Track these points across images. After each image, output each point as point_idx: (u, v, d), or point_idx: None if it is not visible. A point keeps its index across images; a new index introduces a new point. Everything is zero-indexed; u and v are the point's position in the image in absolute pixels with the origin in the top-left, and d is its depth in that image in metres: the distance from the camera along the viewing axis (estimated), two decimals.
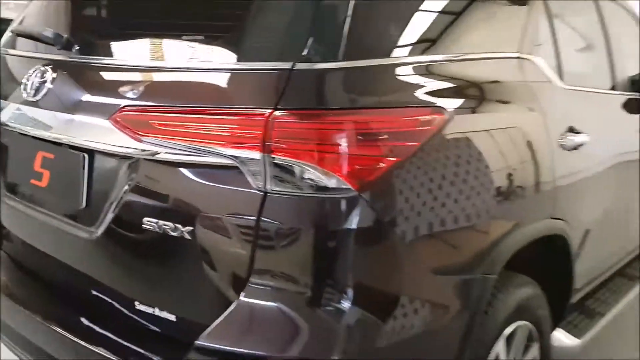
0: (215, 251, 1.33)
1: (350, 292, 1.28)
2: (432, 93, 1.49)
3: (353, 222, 1.27)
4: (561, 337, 2.37)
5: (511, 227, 1.67)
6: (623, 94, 2.77)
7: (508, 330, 1.80)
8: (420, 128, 1.39)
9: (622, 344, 3.17)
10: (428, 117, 1.41)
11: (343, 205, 1.26)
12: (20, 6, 2.15)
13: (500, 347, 1.78)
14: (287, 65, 1.27)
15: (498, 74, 1.80)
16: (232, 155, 1.27)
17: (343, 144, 1.26)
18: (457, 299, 1.51)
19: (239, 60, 1.37)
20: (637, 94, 2.92)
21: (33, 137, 1.68)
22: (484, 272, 1.58)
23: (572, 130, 2.04)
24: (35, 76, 1.64)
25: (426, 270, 1.42)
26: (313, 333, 1.28)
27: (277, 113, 1.25)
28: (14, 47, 1.93)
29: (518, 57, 1.90)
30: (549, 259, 2.14)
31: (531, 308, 1.92)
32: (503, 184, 1.63)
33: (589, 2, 2.66)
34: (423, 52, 1.55)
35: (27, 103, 1.65)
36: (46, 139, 1.63)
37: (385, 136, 1.32)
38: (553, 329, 2.27)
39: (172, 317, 1.41)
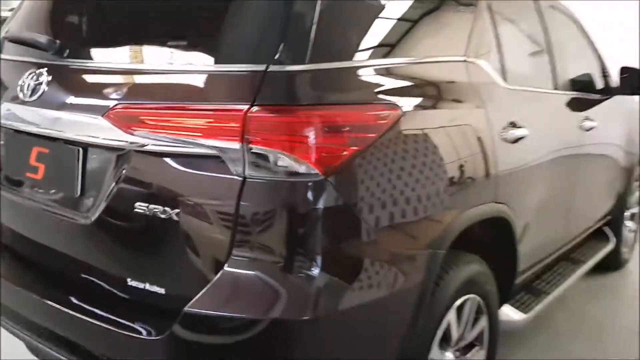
0: (201, 230, 1.53)
1: (319, 260, 1.49)
2: (387, 92, 1.72)
3: (321, 202, 1.48)
4: (509, 312, 2.63)
5: (457, 209, 1.90)
6: (565, 94, 3.05)
7: (458, 302, 2.04)
8: (378, 122, 1.61)
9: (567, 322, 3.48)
10: (384, 113, 1.63)
11: (311, 187, 1.47)
12: None
13: (451, 316, 2.02)
14: (261, 67, 1.47)
15: (447, 75, 2.04)
16: (214, 146, 1.47)
17: (311, 135, 1.47)
18: (411, 270, 1.73)
19: (219, 62, 1.57)
20: (578, 93, 3.22)
21: (28, 133, 1.85)
22: (434, 247, 1.81)
23: (513, 124, 2.29)
24: (31, 78, 1.80)
25: (383, 244, 1.64)
26: (288, 297, 1.48)
27: (254, 109, 1.45)
28: (5, 52, 2.09)
29: (465, 61, 2.14)
30: (496, 241, 2.39)
31: (479, 283, 2.16)
32: (449, 170, 1.86)
33: (531, 9, 2.93)
34: (381, 56, 1.77)
35: (23, 103, 1.81)
36: (41, 134, 1.80)
37: (347, 128, 1.53)
38: (501, 304, 2.53)
39: (162, 291, 1.60)
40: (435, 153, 1.79)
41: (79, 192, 1.73)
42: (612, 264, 4.30)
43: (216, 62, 1.58)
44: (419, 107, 1.82)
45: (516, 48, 2.70)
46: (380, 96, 1.68)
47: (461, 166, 1.91)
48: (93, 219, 1.68)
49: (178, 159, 1.54)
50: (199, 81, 1.58)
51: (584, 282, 4.14)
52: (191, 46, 1.66)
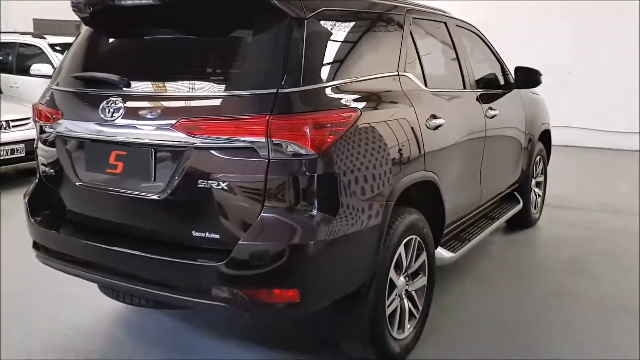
0: (244, 194, 2.43)
1: (315, 205, 2.44)
2: (349, 100, 2.67)
3: (315, 171, 2.42)
4: (442, 252, 3.63)
5: (399, 175, 2.85)
6: (473, 91, 4.08)
7: (405, 239, 3.00)
8: (346, 120, 2.55)
9: (489, 266, 4.53)
10: (349, 114, 2.58)
11: (309, 163, 2.41)
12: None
13: (401, 249, 2.99)
14: (274, 90, 2.40)
15: (386, 86, 3.02)
16: (250, 141, 2.38)
17: (307, 130, 2.40)
18: (374, 214, 2.68)
19: (248, 88, 2.48)
20: (484, 90, 4.26)
21: (106, 142, 2.70)
22: (387, 200, 2.77)
23: (434, 116, 3.28)
24: (110, 104, 2.65)
25: (355, 196, 2.58)
26: (298, 229, 2.41)
27: (272, 116, 2.37)
28: (71, 86, 2.93)
29: (397, 74, 3.12)
30: (430, 199, 3.36)
31: (419, 228, 3.13)
32: (392, 149, 2.82)
33: (442, 28, 3.95)
34: (343, 77, 2.71)
35: (105, 121, 2.66)
36: (118, 142, 2.66)
37: (328, 125, 2.47)
38: (436, 246, 3.52)
39: (217, 236, 2.50)
40: (382, 138, 2.75)
41: (153, 179, 2.60)
42: (525, 222, 5.42)
43: (246, 88, 2.49)
44: (369, 108, 2.77)
45: (433, 61, 3.71)
46: (345, 103, 2.63)
47: (400, 146, 2.88)
48: (165, 195, 2.55)
49: (224, 151, 2.45)
50: (236, 101, 2.49)
51: (503, 237, 5.24)
52: (227, 76, 2.61)
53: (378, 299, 2.82)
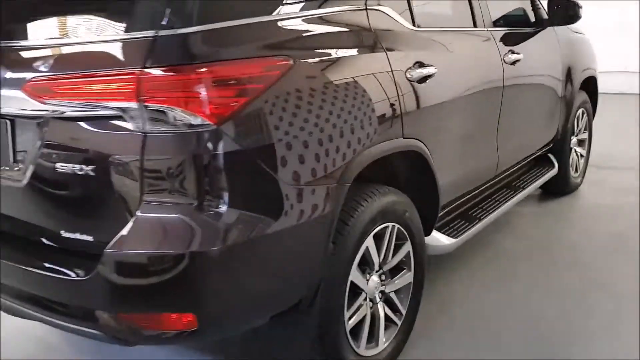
0: (115, 182, 1.73)
1: (216, 197, 1.70)
2: (278, 45, 1.90)
3: (217, 148, 1.68)
4: (439, 238, 2.86)
5: (357, 147, 2.07)
6: (488, 30, 3.21)
7: (376, 229, 2.25)
8: (267, 73, 1.79)
9: (512, 245, 3.72)
10: (273, 65, 1.82)
11: (206, 137, 1.67)
12: None
13: (369, 243, 2.24)
14: (150, 33, 1.66)
15: (345, 24, 2.22)
16: (116, 107, 1.67)
17: (201, 90, 1.66)
18: (315, 202, 1.92)
19: (113, 32, 1.76)
20: (503, 28, 3.38)
21: None
22: (339, 182, 2.01)
23: (420, 64, 2.46)
24: None
25: (284, 181, 1.83)
26: (192, 231, 1.69)
27: (145, 71, 1.64)
28: None
29: (364, 9, 2.31)
30: (417, 174, 2.59)
31: (397, 212, 2.37)
32: (344, 112, 2.03)
33: None
34: (270, 12, 1.94)
35: None
36: None
37: (235, 82, 1.72)
38: (429, 231, 2.75)
39: (90, 238, 1.82)
40: (328, 97, 1.97)
41: (11, 159, 1.93)
42: (564, 188, 4.54)
43: (111, 32, 1.76)
44: (310, 56, 1.99)
45: None
46: (268, 49, 1.86)
47: (358, 107, 2.09)
48: (25, 182, 1.89)
49: (89, 122, 1.74)
50: (97, 51, 1.76)
51: (536, 207, 4.40)
52: (89, 19, 1.84)
53: (331, 311, 2.11)
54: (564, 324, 2.80)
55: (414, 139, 2.42)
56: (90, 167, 1.74)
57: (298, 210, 1.89)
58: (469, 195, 3.17)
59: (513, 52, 3.32)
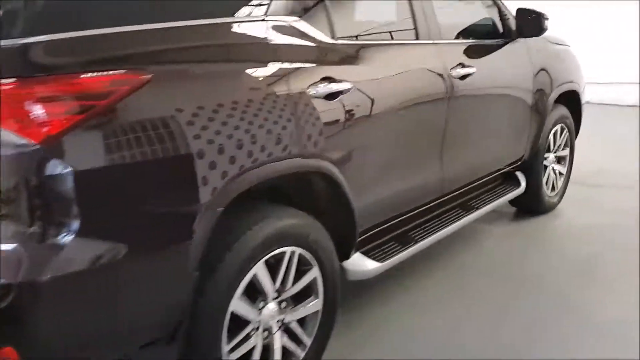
0: None
1: (42, 222, 1.58)
2: (133, 59, 1.77)
3: (44, 171, 1.56)
4: (362, 262, 2.70)
5: (228, 169, 1.92)
6: (434, 43, 3.02)
7: (268, 255, 2.10)
8: (110, 89, 1.66)
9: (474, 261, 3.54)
10: (121, 80, 1.69)
11: (33, 157, 1.56)
12: None
13: (259, 269, 2.09)
14: None
15: (231, 36, 2.09)
16: None
17: (26, 107, 1.54)
18: (173, 229, 1.81)
19: None
20: (449, 41, 3.21)
21: None
22: (208, 207, 1.86)
23: (330, 79, 2.30)
24: None
25: (129, 207, 1.72)
26: (23, 261, 1.58)
27: None
28: None
29: (263, 20, 2.17)
30: (329, 196, 2.44)
31: (300, 236, 2.22)
32: (212, 130, 1.87)
33: None
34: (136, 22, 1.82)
35: None
36: None
37: (67, 98, 1.60)
38: (349, 255, 2.60)
39: None
40: (196, 116, 1.83)
41: None
42: (536, 208, 4.31)
43: None
44: (179, 70, 1.87)
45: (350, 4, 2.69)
46: (123, 63, 1.73)
47: (233, 126, 1.93)
48: None
49: None
50: None
51: (506, 226, 4.19)
52: None
53: (202, 343, 1.98)
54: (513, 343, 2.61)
55: (319, 158, 2.27)
56: None
57: (148, 236, 1.76)
58: (408, 215, 3.00)
59: (464, 66, 3.13)
